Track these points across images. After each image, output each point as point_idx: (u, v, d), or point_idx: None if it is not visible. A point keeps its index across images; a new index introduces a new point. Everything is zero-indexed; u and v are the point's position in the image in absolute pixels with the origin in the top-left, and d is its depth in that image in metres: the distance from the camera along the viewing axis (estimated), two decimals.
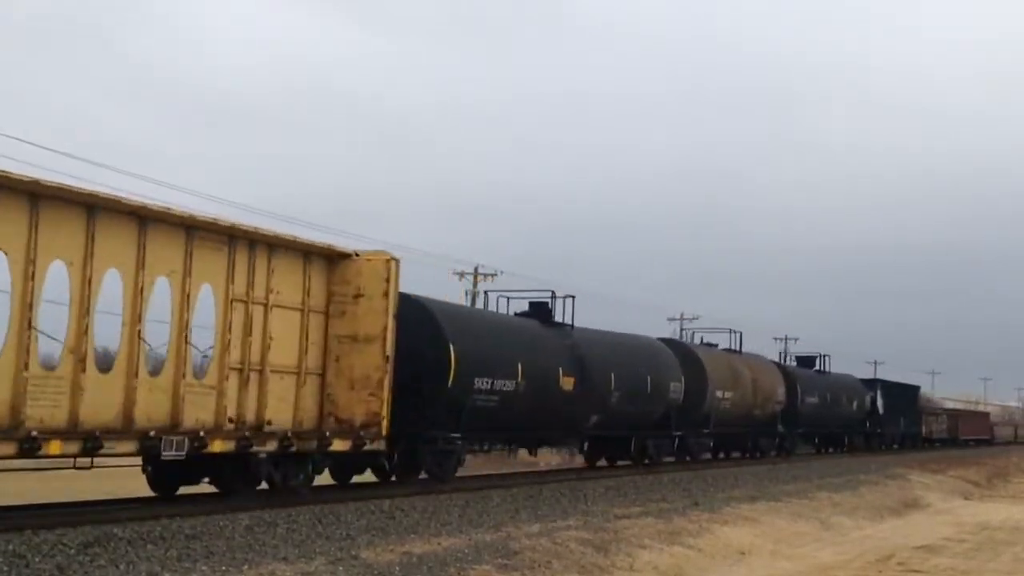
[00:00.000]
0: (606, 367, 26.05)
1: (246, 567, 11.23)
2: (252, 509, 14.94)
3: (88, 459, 13.44)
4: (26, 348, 12.68)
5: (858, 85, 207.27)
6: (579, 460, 32.91)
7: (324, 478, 19.40)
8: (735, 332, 37.82)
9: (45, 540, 11.58)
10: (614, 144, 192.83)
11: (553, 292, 26.27)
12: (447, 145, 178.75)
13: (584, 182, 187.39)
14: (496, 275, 59.63)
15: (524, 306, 25.95)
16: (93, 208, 13.61)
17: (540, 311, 25.53)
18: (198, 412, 15.15)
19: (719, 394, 32.86)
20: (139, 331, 14.24)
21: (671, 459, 30.94)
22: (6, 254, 12.64)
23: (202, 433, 14.86)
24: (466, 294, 58.63)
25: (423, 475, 20.56)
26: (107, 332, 14.08)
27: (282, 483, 16.64)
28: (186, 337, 14.99)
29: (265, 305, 16.44)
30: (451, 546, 13.56)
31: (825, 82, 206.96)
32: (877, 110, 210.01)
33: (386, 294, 17.85)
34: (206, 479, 16.49)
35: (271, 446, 16.13)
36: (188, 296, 15.08)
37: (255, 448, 15.80)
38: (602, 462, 29.79)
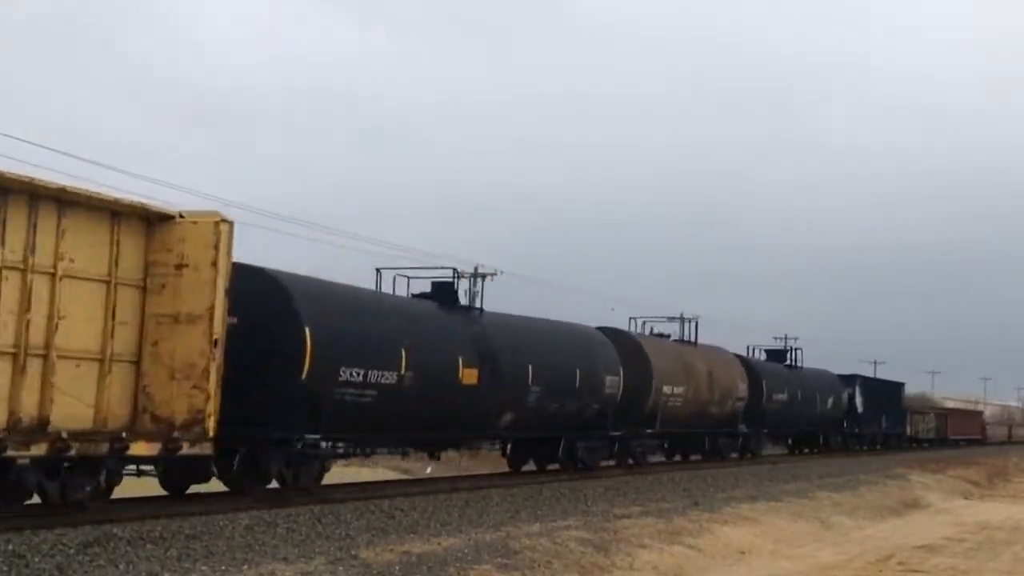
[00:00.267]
0: (523, 358, 22.73)
1: (246, 567, 11.22)
2: (252, 509, 14.94)
3: None
4: None
5: (858, 85, 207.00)
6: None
7: (329, 477, 19.37)
8: (690, 321, 33.44)
9: (45, 540, 11.58)
10: (614, 144, 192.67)
11: (455, 270, 22.28)
12: (447, 145, 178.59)
13: (584, 182, 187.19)
14: (496, 275, 59.60)
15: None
16: None
17: (442, 292, 22.02)
18: None
19: (667, 390, 29.48)
20: None
21: (611, 463, 27.50)
22: None
23: None
24: (465, 293, 58.57)
25: (279, 484, 17.74)
26: None
27: (59, 496, 13.59)
28: None
29: (52, 275, 13.31)
30: (451, 546, 13.54)
31: (825, 82, 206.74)
32: (877, 110, 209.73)
33: (215, 263, 14.57)
34: None
35: (38, 450, 12.86)
36: None
37: (11, 452, 12.57)
38: (531, 466, 26.19)
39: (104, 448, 13.73)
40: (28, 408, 12.98)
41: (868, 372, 63.91)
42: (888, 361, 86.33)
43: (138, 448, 14.06)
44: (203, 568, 11.05)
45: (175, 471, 16.25)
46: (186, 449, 14.33)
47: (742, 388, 35.38)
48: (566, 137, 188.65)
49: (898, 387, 59.74)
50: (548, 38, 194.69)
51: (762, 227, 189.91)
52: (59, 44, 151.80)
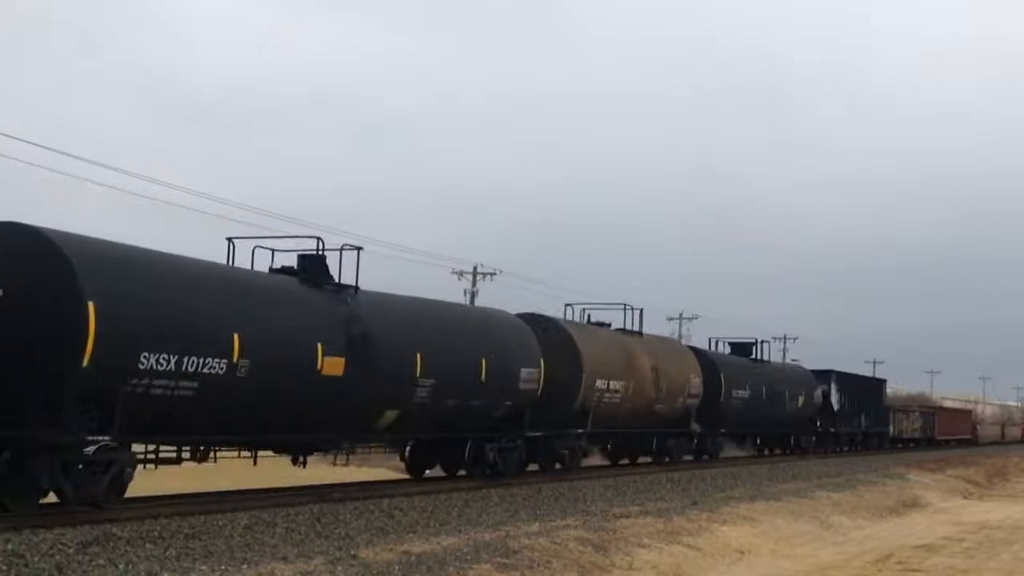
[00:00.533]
0: (408, 346, 18.97)
1: (245, 566, 11.22)
2: (251, 509, 14.94)
3: None
4: None
5: (858, 85, 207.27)
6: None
7: (324, 476, 19.38)
8: (633, 309, 29.28)
9: (44, 539, 11.56)
10: (614, 144, 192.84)
11: (320, 239, 18.36)
12: (447, 145, 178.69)
13: (584, 182, 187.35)
14: (496, 274, 59.74)
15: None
16: None
17: (311, 268, 18.12)
18: None
19: (602, 384, 25.74)
20: None
21: (533, 467, 24.22)
22: None
23: None
24: (465, 293, 58.72)
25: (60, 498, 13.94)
26: None
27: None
28: None
29: None
30: (450, 545, 13.54)
31: (825, 82, 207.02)
32: (877, 110, 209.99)
33: None
34: None
35: None
36: None
37: None
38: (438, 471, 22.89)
39: None
40: None
41: (868, 372, 62.55)
42: (888, 361, 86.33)
43: None
44: (202, 567, 11.05)
45: None
46: None
47: (696, 383, 31.37)
48: (566, 137, 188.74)
49: (879, 383, 56.10)
50: (548, 38, 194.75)
51: (762, 227, 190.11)
52: (59, 44, 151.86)
